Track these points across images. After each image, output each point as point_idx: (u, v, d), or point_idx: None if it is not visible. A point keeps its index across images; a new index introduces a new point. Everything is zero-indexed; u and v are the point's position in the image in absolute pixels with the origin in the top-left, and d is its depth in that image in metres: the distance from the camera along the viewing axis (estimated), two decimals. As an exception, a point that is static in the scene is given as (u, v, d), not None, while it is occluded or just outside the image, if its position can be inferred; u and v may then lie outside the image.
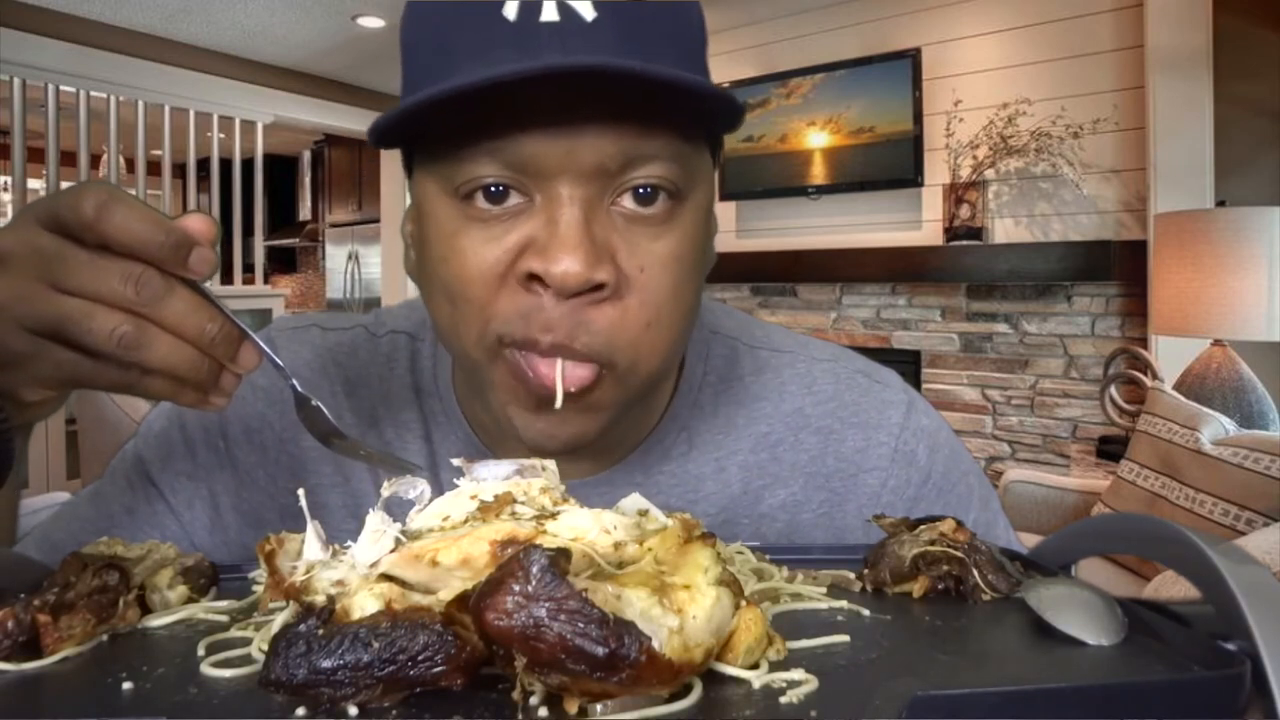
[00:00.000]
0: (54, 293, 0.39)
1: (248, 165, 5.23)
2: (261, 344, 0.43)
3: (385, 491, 0.38)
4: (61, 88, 4.28)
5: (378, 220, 6.38)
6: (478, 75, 0.42)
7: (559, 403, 0.48)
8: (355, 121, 5.63)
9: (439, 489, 0.61)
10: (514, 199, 0.47)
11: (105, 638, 0.37)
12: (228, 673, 0.32)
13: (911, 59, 3.81)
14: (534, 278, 0.46)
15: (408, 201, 0.56)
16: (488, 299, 0.47)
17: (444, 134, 0.47)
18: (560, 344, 0.47)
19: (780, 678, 0.30)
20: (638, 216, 0.48)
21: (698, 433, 0.61)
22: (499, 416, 0.52)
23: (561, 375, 0.47)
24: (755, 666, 0.31)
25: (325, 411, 0.46)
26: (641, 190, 0.47)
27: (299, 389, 0.46)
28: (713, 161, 0.55)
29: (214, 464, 0.62)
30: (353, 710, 0.28)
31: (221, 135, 5.13)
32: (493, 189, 0.47)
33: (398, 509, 0.37)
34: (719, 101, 0.47)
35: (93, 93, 4.39)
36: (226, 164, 5.17)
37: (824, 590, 0.41)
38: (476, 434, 0.61)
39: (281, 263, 8.54)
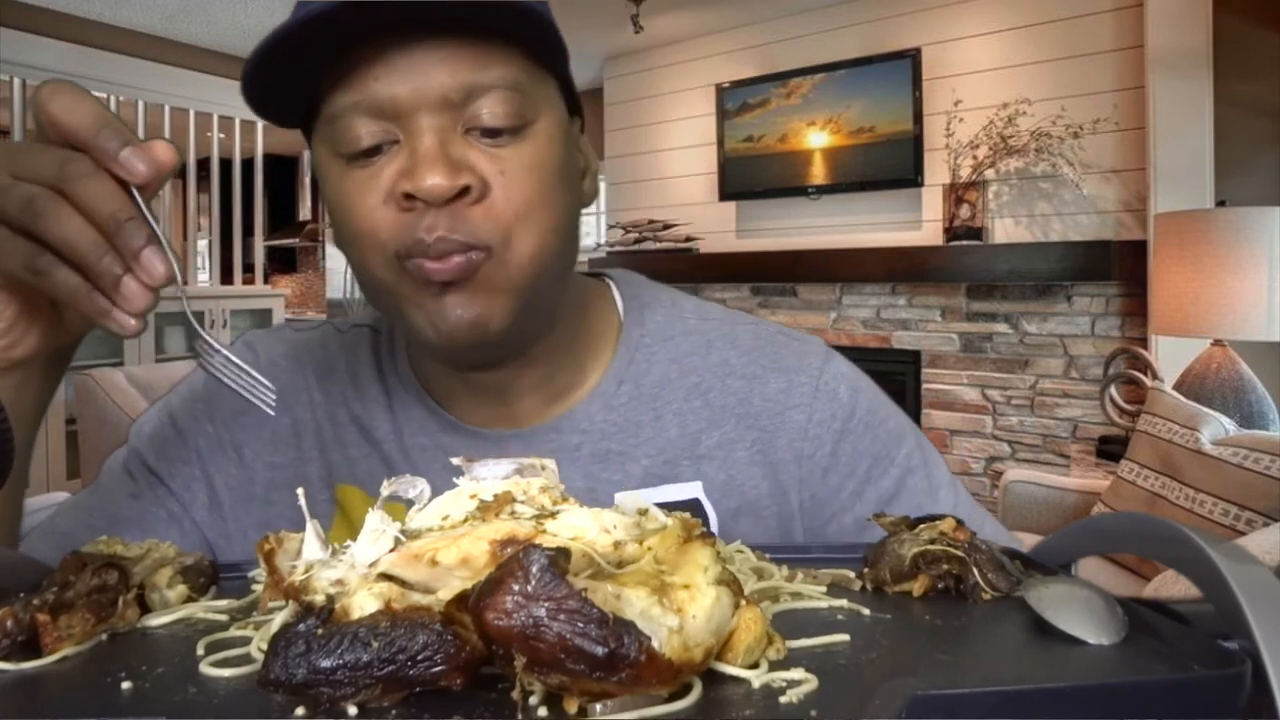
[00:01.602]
0: (4, 175, 0.42)
1: (248, 165, 5.23)
2: (171, 255, 0.44)
3: (385, 490, 0.38)
4: (61, 88, 4.27)
5: (378, 220, 6.36)
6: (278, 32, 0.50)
7: (449, 267, 0.54)
8: (355, 121, 5.62)
9: (404, 455, 0.66)
10: (385, 149, 0.55)
11: (104, 637, 0.37)
12: (227, 672, 0.32)
13: (911, 59, 3.81)
14: (409, 197, 0.53)
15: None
16: (379, 226, 0.55)
17: (321, 98, 0.56)
18: (442, 237, 0.54)
19: (780, 677, 0.30)
20: (490, 139, 0.55)
21: (636, 385, 0.68)
22: (416, 333, 0.58)
23: (446, 261, 0.54)
24: (755, 666, 0.31)
25: (199, 327, 0.49)
26: (488, 125, 0.55)
27: (190, 309, 0.49)
28: (563, 95, 0.61)
29: (205, 447, 0.68)
30: (352, 710, 0.28)
31: (221, 135, 5.13)
32: (368, 147, 0.55)
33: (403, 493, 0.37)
34: (516, 16, 0.53)
35: (93, 93, 4.38)
36: (226, 164, 5.17)
37: (824, 589, 0.41)
38: (433, 398, 0.67)
39: (281, 263, 8.53)
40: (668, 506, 0.63)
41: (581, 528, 0.33)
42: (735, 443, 0.67)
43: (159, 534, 0.64)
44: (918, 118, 3.80)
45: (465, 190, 0.53)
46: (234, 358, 0.49)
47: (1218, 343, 2.45)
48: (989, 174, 3.65)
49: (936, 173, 3.79)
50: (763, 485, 0.66)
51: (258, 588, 0.43)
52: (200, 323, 0.49)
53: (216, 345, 0.49)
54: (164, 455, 0.68)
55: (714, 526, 0.65)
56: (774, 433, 0.67)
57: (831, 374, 0.69)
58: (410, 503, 0.39)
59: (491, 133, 0.55)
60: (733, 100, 4.36)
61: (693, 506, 0.64)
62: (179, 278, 0.44)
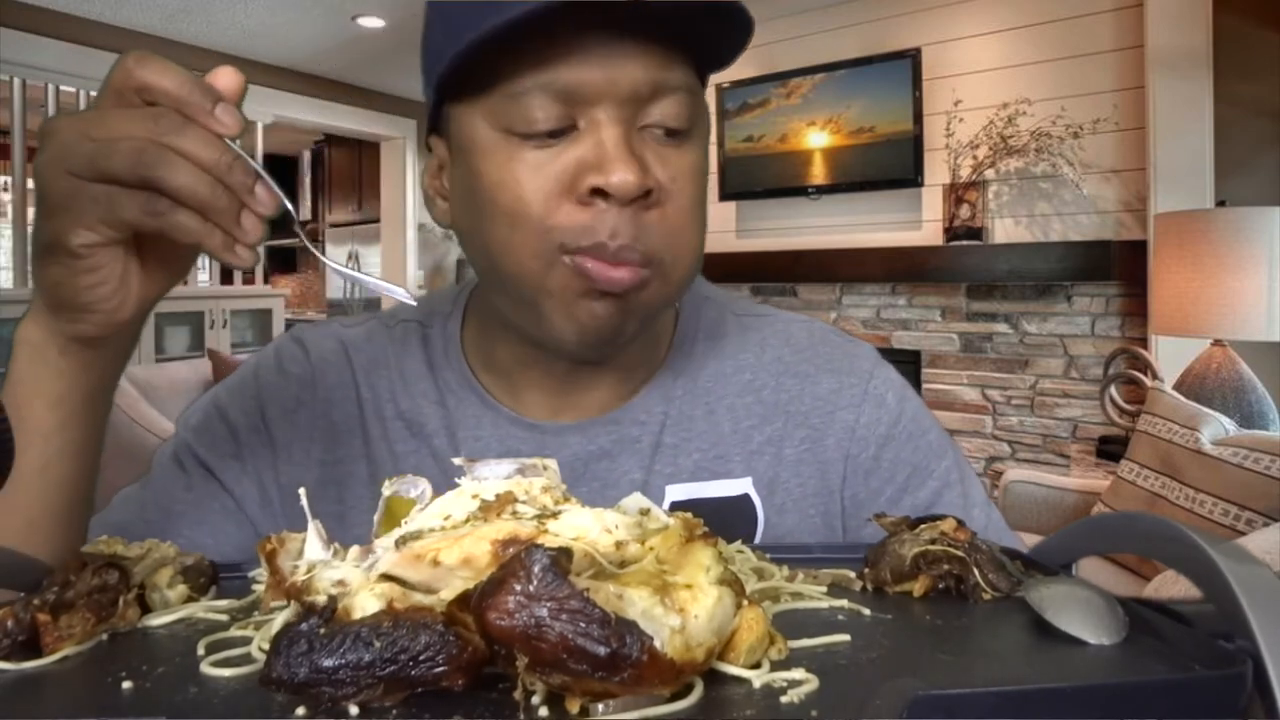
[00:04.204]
0: (91, 139, 0.43)
1: (248, 165, 5.22)
2: (272, 185, 0.45)
3: (386, 490, 0.38)
4: (61, 88, 4.28)
5: (377, 220, 6.36)
6: (521, 10, 0.49)
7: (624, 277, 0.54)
8: (355, 121, 5.63)
9: (455, 449, 0.65)
10: (566, 134, 0.55)
11: (105, 637, 0.37)
12: (228, 672, 0.32)
13: (911, 59, 3.80)
14: (596, 192, 0.53)
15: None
16: (547, 215, 0.54)
17: (498, 73, 0.54)
18: (625, 245, 0.54)
19: (781, 677, 0.30)
20: (663, 139, 0.56)
21: (692, 379, 0.68)
22: (553, 320, 0.57)
23: (622, 269, 0.55)
24: (757, 666, 0.31)
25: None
26: (668, 125, 0.56)
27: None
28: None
29: (256, 444, 0.68)
30: (353, 710, 0.28)
31: (221, 135, 5.12)
32: (547, 130, 0.54)
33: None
34: (733, 19, 0.54)
35: (93, 93, 4.37)
36: (226, 164, 5.16)
37: (824, 589, 0.41)
38: (489, 394, 0.67)
39: (281, 263, 8.53)
40: (719, 502, 0.64)
41: (583, 527, 0.33)
42: (785, 439, 0.67)
43: (213, 526, 0.65)
44: (918, 118, 3.80)
45: (648, 192, 0.54)
46: (363, 276, 0.50)
47: (1218, 343, 2.45)
48: (989, 174, 3.65)
49: (936, 173, 3.79)
50: (810, 483, 0.66)
51: (258, 588, 0.43)
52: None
53: (340, 268, 0.51)
54: (214, 449, 0.67)
55: (760, 523, 0.65)
56: (823, 431, 0.67)
57: (881, 379, 0.69)
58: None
59: (670, 133, 0.56)
60: (733, 100, 4.36)
61: (742, 503, 0.65)
62: (289, 207, 0.46)
